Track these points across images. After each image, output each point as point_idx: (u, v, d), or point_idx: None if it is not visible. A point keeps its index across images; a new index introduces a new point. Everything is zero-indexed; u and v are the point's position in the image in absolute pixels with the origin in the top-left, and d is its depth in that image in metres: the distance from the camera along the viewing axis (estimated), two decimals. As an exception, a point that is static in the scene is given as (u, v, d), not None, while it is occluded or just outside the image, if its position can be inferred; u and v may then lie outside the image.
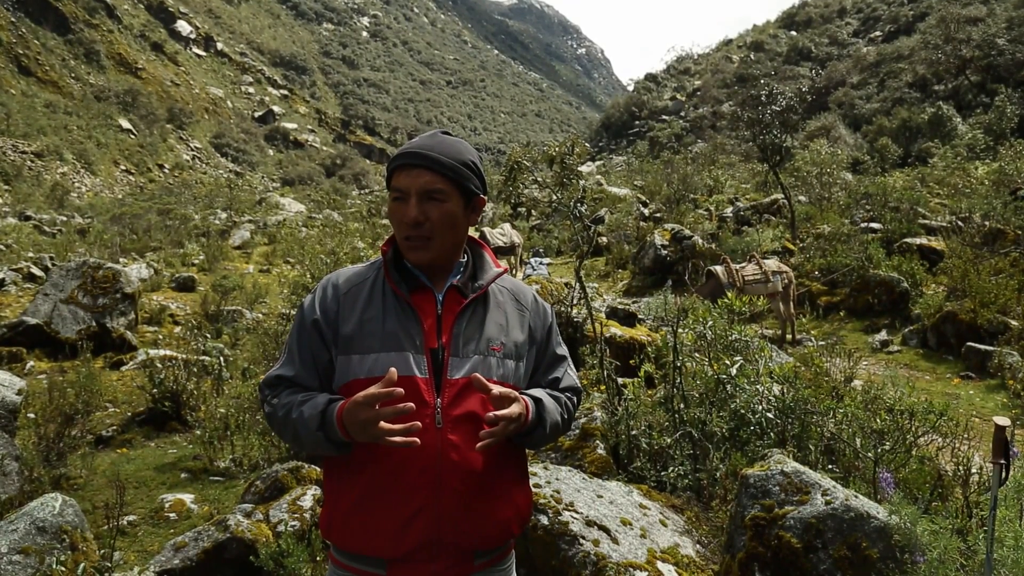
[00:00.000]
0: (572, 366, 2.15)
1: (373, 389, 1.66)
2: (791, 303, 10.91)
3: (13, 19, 58.00)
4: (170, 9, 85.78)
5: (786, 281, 10.81)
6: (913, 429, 4.13)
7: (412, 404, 1.68)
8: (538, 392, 1.97)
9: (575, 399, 2.11)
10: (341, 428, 1.73)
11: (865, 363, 9.13)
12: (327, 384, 1.89)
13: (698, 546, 3.87)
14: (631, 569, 3.37)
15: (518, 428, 1.82)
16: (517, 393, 1.84)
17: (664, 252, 15.62)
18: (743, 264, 11.03)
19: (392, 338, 1.83)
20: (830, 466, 4.24)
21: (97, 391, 7.43)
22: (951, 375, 8.81)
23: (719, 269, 10.77)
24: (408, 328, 1.85)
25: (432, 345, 1.85)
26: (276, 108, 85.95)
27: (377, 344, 1.83)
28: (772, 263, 11.06)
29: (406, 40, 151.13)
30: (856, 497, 3.29)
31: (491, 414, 1.74)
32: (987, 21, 37.84)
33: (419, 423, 1.67)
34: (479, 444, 1.74)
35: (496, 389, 1.77)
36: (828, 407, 4.53)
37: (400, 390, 1.66)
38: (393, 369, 1.68)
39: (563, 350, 2.13)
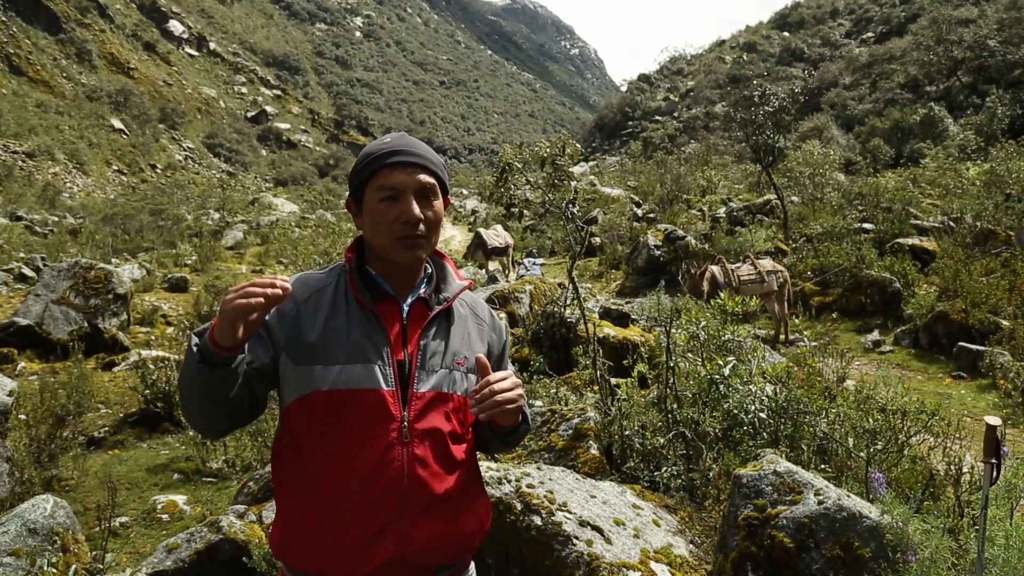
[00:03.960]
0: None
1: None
2: (785, 303, 10.94)
3: (4, 18, 57.69)
4: (162, 9, 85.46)
5: (781, 280, 10.85)
6: (905, 429, 4.14)
7: (291, 289, 1.59)
8: None
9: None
10: (212, 328, 1.59)
11: (857, 363, 9.18)
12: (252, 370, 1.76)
13: (691, 546, 3.87)
14: (624, 569, 3.37)
15: (513, 420, 1.84)
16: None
17: (657, 252, 15.64)
18: (738, 264, 11.06)
19: (358, 349, 1.77)
20: (823, 466, 4.25)
21: (89, 392, 7.41)
22: (943, 375, 8.85)
23: (715, 269, 10.78)
24: (374, 339, 1.79)
25: (398, 357, 1.81)
26: (269, 108, 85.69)
27: (343, 355, 1.76)
28: (767, 263, 11.09)
29: (399, 40, 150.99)
30: (848, 497, 3.30)
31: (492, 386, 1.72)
32: (978, 22, 38.05)
33: (288, 285, 1.57)
34: (480, 414, 1.71)
35: (502, 374, 1.78)
36: (821, 407, 4.54)
37: (286, 284, 1.58)
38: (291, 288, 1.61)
39: (510, 365, 2.15)
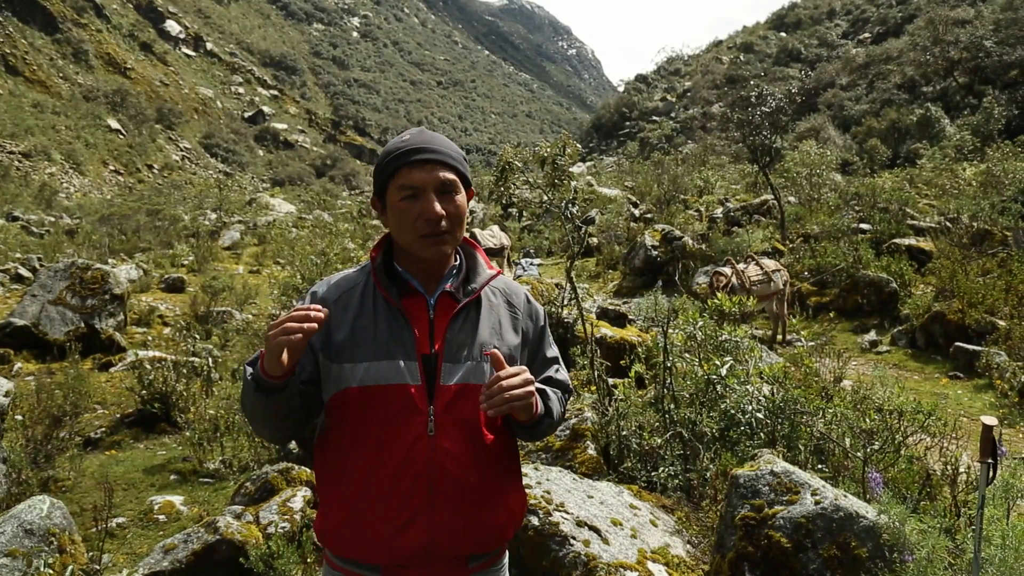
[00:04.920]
0: (563, 366, 2.15)
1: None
2: (784, 303, 10.94)
3: (0, 18, 57.61)
4: (159, 9, 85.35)
5: (784, 278, 10.85)
6: (902, 429, 4.15)
7: (325, 309, 1.66)
8: (538, 384, 1.97)
9: (567, 397, 2.12)
10: (262, 359, 1.70)
11: (854, 363, 9.17)
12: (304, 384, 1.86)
13: (688, 546, 3.87)
14: (621, 569, 3.37)
15: (528, 415, 1.83)
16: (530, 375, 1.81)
17: (654, 253, 15.64)
18: (744, 266, 11.00)
19: (384, 346, 1.82)
20: (819, 466, 4.25)
21: (86, 393, 7.38)
22: (939, 375, 8.85)
23: (727, 271, 10.65)
24: (400, 335, 1.83)
25: (425, 351, 1.84)
26: (266, 108, 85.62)
27: (369, 353, 1.81)
28: (770, 262, 11.03)
29: (396, 40, 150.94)
30: (845, 497, 3.30)
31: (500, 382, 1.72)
32: (975, 23, 38.13)
33: (321, 314, 1.64)
34: (488, 410, 1.71)
35: (514, 369, 1.77)
36: (818, 407, 4.55)
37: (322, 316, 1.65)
38: (326, 310, 1.68)
39: (554, 351, 2.13)
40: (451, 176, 1.86)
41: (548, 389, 2.00)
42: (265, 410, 1.76)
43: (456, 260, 1.99)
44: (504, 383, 1.72)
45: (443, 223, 1.84)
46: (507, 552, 2.07)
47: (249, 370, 1.75)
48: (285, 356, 1.65)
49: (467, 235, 2.01)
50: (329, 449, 1.89)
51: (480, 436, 1.86)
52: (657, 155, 39.99)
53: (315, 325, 1.63)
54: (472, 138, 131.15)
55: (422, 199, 1.83)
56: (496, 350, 1.81)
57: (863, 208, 17.05)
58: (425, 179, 1.83)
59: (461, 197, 1.89)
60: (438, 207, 1.83)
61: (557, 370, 2.10)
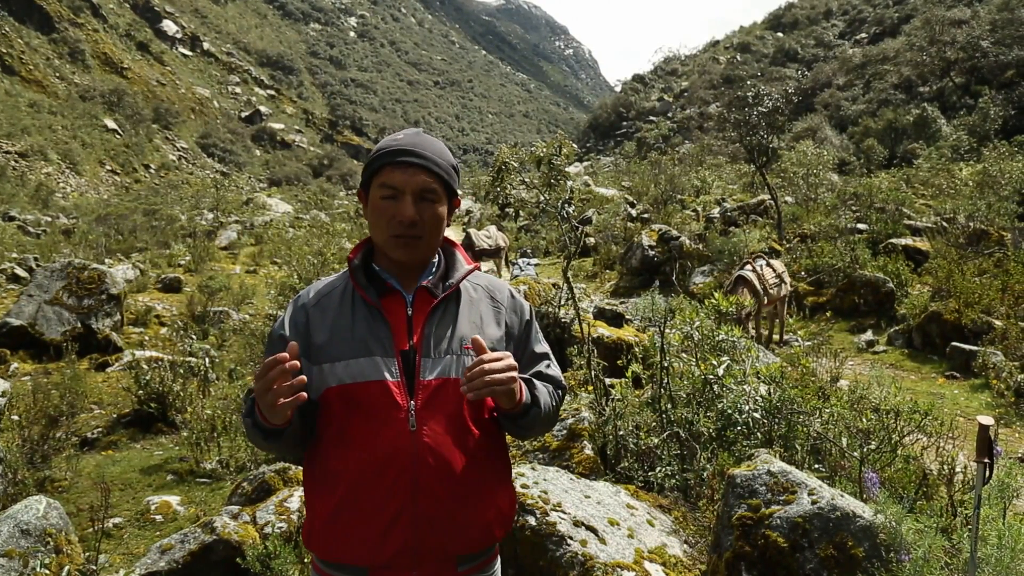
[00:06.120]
0: (555, 363, 2.12)
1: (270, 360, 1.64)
2: (784, 303, 10.91)
3: (-3, 18, 57.50)
4: (156, 8, 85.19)
5: (787, 278, 10.82)
6: (898, 428, 4.15)
7: (297, 363, 1.62)
8: (527, 376, 1.97)
9: (560, 393, 2.08)
10: (259, 410, 1.70)
11: (851, 363, 9.18)
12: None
13: (685, 546, 3.88)
14: (619, 569, 3.37)
15: (511, 402, 1.81)
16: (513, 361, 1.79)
17: (651, 253, 15.65)
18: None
19: (361, 344, 1.82)
20: (816, 466, 4.26)
21: (82, 393, 7.38)
22: (936, 375, 8.87)
23: (752, 277, 10.39)
24: (377, 332, 1.83)
25: (403, 347, 1.83)
26: (263, 108, 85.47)
27: (347, 351, 1.81)
28: (778, 263, 10.91)
29: (393, 40, 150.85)
30: (842, 496, 3.30)
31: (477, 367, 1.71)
32: (971, 23, 38.18)
33: (304, 378, 1.64)
34: (469, 393, 1.71)
35: (496, 354, 1.76)
36: (814, 407, 4.55)
37: (292, 360, 1.62)
38: (294, 343, 1.66)
39: (544, 347, 2.10)
40: (433, 183, 1.86)
41: (536, 381, 1.97)
42: (279, 447, 1.83)
43: (436, 259, 1.98)
44: (486, 367, 1.71)
45: (416, 227, 1.84)
46: (499, 557, 2.04)
47: (250, 421, 1.78)
48: (285, 407, 1.66)
49: (462, 236, 2.02)
50: (314, 451, 1.89)
51: (464, 431, 1.85)
52: (654, 155, 40.00)
53: (304, 378, 1.63)
54: (469, 138, 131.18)
55: (399, 201, 1.83)
56: (477, 337, 1.80)
57: (860, 208, 17.08)
58: (406, 181, 1.83)
59: (440, 206, 1.89)
60: (412, 211, 1.83)
61: (548, 365, 2.08)
